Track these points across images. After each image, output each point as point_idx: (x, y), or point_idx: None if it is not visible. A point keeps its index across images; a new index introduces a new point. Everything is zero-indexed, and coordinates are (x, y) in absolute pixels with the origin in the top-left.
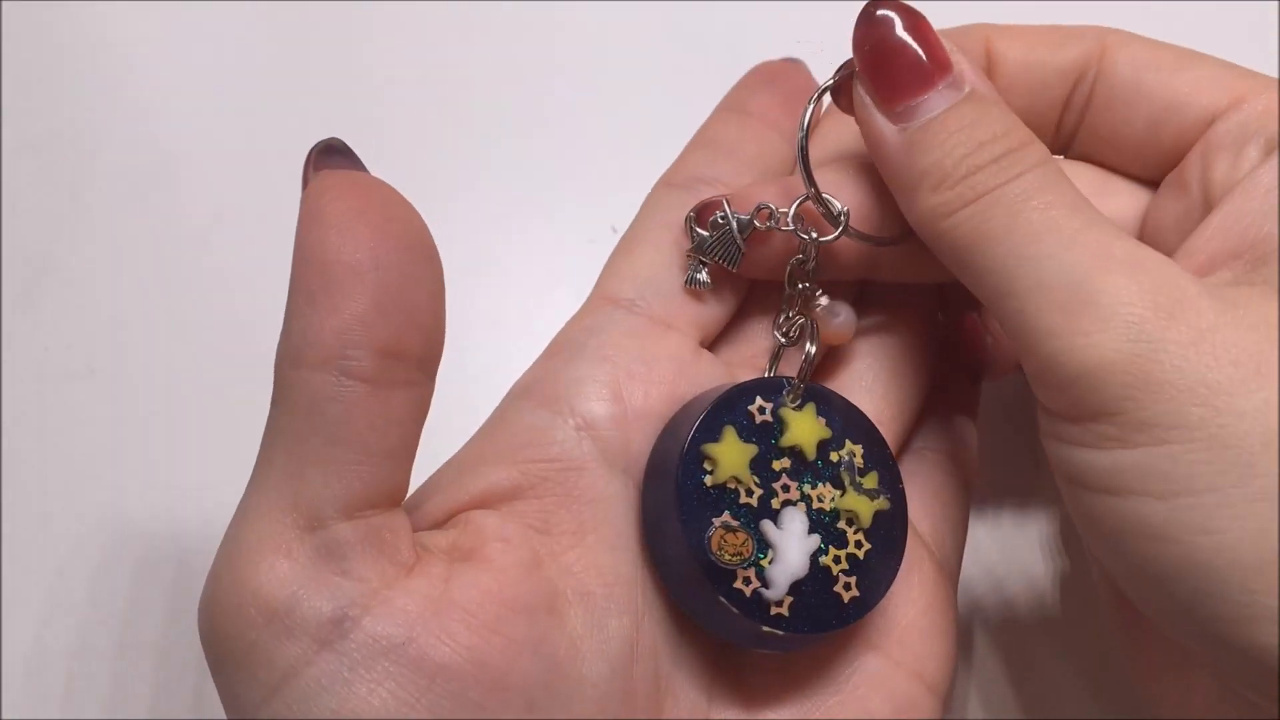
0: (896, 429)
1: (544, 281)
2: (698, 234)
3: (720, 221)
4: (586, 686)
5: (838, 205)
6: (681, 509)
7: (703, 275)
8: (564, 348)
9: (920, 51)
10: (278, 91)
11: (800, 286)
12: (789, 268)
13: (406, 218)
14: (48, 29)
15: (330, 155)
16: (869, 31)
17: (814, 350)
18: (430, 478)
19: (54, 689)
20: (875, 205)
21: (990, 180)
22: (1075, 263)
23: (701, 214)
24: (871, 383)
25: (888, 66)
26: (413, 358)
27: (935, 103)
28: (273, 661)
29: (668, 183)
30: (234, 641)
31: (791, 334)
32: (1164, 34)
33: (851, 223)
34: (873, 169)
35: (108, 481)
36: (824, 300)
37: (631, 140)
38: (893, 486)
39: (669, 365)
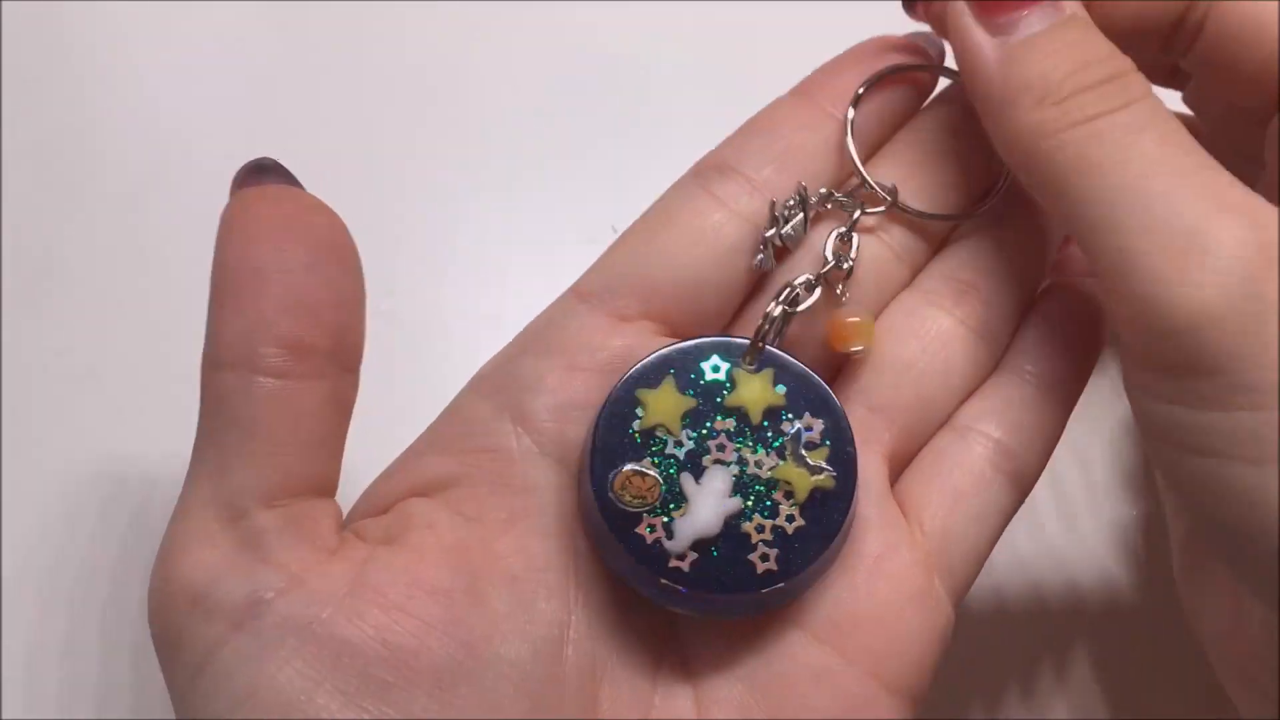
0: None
1: (544, 281)
2: (776, 219)
3: (793, 206)
4: (504, 666)
5: (885, 185)
6: (598, 449)
7: (769, 260)
8: (518, 340)
9: None
10: (278, 91)
11: (833, 257)
12: (829, 239)
13: (317, 222)
14: (48, 29)
15: (257, 174)
16: None
17: (777, 314)
18: (386, 467)
19: (52, 689)
20: (928, 180)
21: (1099, 104)
22: (1190, 205)
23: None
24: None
25: None
26: (321, 352)
27: (1036, 20)
28: (195, 644)
29: (692, 172)
30: (165, 628)
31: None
32: None
33: (902, 199)
34: (924, 146)
35: (108, 482)
36: (845, 297)
37: (633, 139)
38: (843, 467)
39: (615, 356)
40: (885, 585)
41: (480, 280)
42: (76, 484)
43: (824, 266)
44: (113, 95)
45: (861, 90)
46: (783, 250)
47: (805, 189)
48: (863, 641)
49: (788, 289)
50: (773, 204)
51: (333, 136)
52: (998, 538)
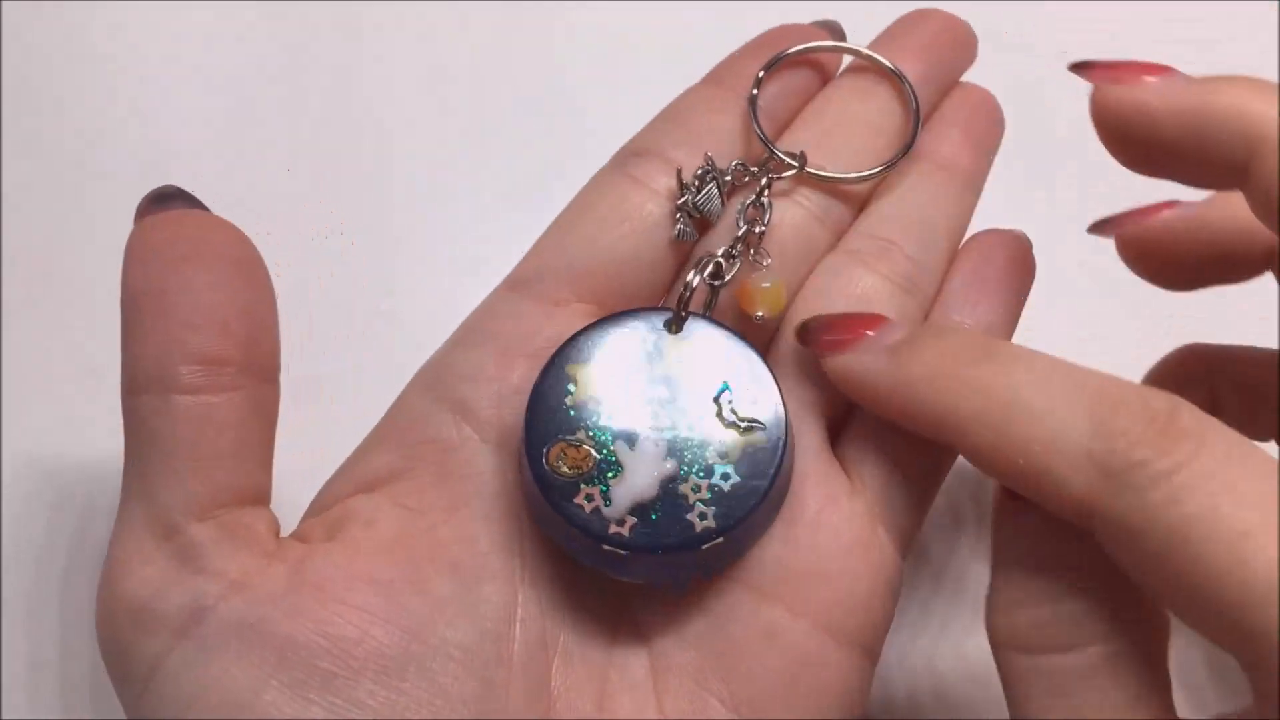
0: None
1: None
2: (685, 187)
3: (705, 175)
4: (450, 649)
5: (793, 153)
6: (532, 426)
7: (689, 229)
8: (456, 334)
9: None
10: (278, 91)
11: (745, 224)
12: (741, 206)
13: (218, 239)
14: (48, 29)
15: (158, 203)
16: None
17: (696, 282)
18: (337, 469)
19: (52, 688)
20: (839, 145)
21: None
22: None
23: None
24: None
25: None
26: (232, 364)
27: None
28: (140, 658)
29: (612, 159)
30: (111, 645)
31: (713, 272)
32: (1164, 34)
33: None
34: (832, 115)
35: (108, 482)
36: (766, 262)
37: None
38: (773, 423)
39: (549, 339)
40: (827, 537)
41: (481, 280)
42: (76, 483)
43: (739, 234)
44: (113, 95)
45: (763, 72)
46: (703, 222)
47: (711, 158)
48: (809, 595)
49: (706, 257)
50: (678, 171)
51: (333, 136)
52: (939, 484)
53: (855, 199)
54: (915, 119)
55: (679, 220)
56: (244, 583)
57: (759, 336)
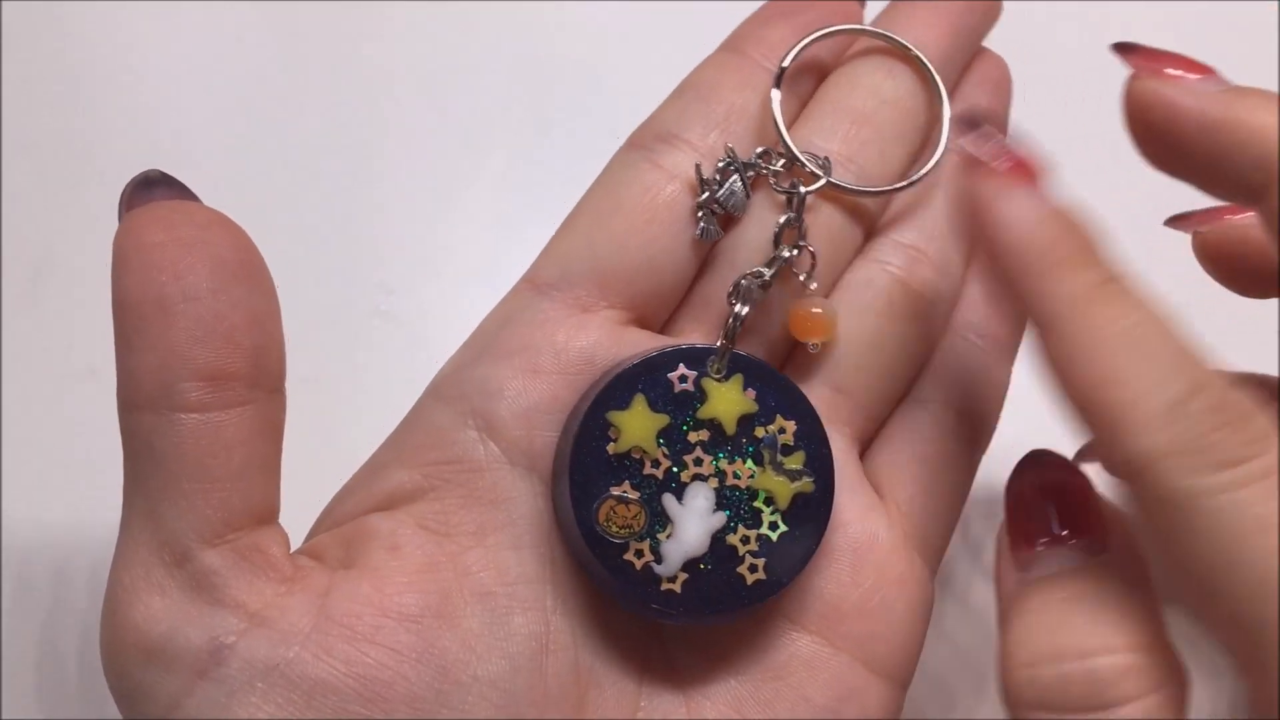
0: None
1: None
2: (705, 184)
3: (728, 167)
4: (483, 686)
5: (818, 158)
6: (575, 476)
7: (714, 227)
8: (476, 340)
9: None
10: (278, 91)
11: (781, 251)
12: (776, 229)
13: (217, 239)
14: (48, 29)
15: (146, 189)
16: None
17: (744, 312)
18: (346, 483)
19: (53, 688)
20: (865, 151)
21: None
22: None
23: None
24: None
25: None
26: (239, 379)
27: None
28: (157, 697)
29: (630, 143)
30: (123, 681)
31: (746, 298)
32: (1165, 34)
33: (836, 174)
34: (856, 114)
35: (108, 481)
36: (811, 285)
37: None
38: (820, 468)
39: (581, 354)
40: (870, 573)
41: (480, 280)
42: (76, 483)
43: (773, 258)
44: (113, 95)
45: (786, 63)
46: (727, 218)
47: (732, 150)
48: (851, 630)
49: (749, 280)
50: (698, 167)
51: (333, 136)
52: (964, 502)
53: (879, 199)
54: (943, 121)
55: (701, 219)
56: (264, 616)
57: (778, 351)
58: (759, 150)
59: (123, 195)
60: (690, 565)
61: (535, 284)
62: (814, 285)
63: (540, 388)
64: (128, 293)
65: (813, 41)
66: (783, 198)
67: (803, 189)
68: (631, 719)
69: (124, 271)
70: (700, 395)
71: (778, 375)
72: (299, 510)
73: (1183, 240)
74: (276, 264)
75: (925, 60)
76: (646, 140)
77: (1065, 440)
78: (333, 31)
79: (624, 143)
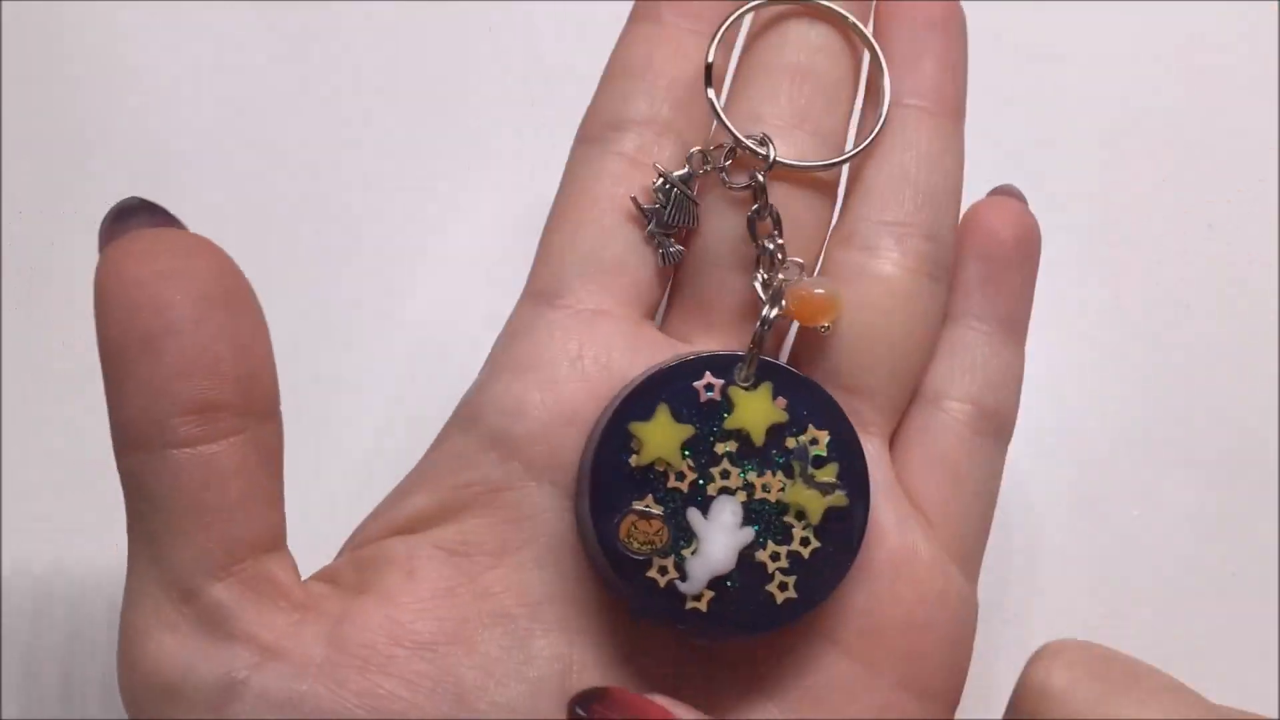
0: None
1: None
2: (649, 209)
3: (665, 187)
4: (501, 712)
5: (756, 137)
6: (595, 491)
7: (674, 248)
8: (490, 361)
9: None
10: (279, 92)
11: (763, 243)
12: (747, 220)
13: (198, 267)
14: (48, 29)
15: (124, 219)
16: None
17: (772, 315)
18: (372, 510)
19: (53, 688)
20: (812, 105)
21: None
22: None
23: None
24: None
25: None
26: (228, 409)
27: None
28: None
29: (582, 138)
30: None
31: (771, 299)
32: (1165, 34)
33: (790, 137)
34: (794, 76)
35: (107, 481)
36: (792, 262)
37: None
38: (855, 481)
39: (597, 359)
40: (909, 590)
41: (483, 282)
42: (77, 483)
43: (758, 256)
44: (113, 95)
45: (711, 59)
46: (683, 234)
47: (661, 169)
48: (891, 651)
49: (768, 279)
50: (634, 200)
51: (334, 137)
52: (996, 499)
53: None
54: (881, 78)
55: (659, 245)
56: (278, 648)
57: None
58: (691, 153)
59: (101, 227)
60: (717, 583)
61: (536, 295)
62: (802, 270)
63: (559, 400)
64: (111, 334)
65: (731, 21)
66: (736, 193)
67: (760, 176)
68: None
69: (106, 311)
70: (728, 405)
71: (809, 382)
72: (300, 512)
73: (1183, 240)
74: (277, 265)
75: (853, 18)
76: (597, 131)
77: (1088, 425)
78: (335, 32)
79: (575, 139)
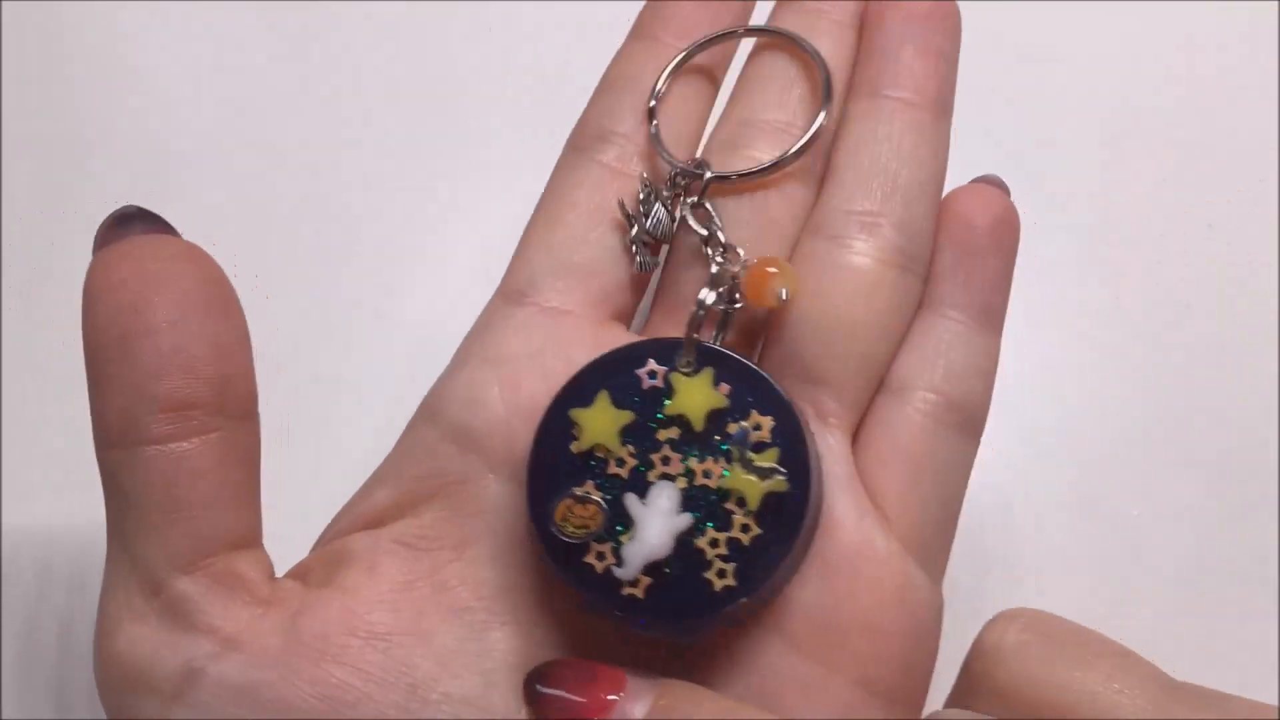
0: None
1: None
2: (634, 216)
3: (648, 198)
4: (455, 704)
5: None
6: (536, 477)
7: (650, 258)
8: (457, 357)
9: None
10: (279, 92)
11: (717, 255)
12: (679, 216)
13: (182, 272)
14: (48, 29)
15: (121, 226)
16: None
17: (709, 299)
18: (342, 506)
19: (50, 684)
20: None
21: None
22: None
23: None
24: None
25: None
26: (203, 408)
27: None
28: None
29: (572, 145)
30: (112, 707)
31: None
32: (1165, 34)
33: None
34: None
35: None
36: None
37: None
38: (797, 466)
39: (558, 355)
40: (865, 588)
41: (482, 282)
42: (77, 483)
43: (706, 244)
44: (113, 95)
45: (664, 78)
46: (659, 245)
47: (646, 179)
48: (847, 650)
49: (715, 270)
50: (621, 203)
51: (334, 136)
52: (964, 495)
53: (801, 169)
54: (825, 92)
55: (636, 253)
56: (237, 639)
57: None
58: (672, 172)
59: (98, 232)
60: (654, 569)
61: (506, 294)
62: (744, 254)
63: (517, 394)
64: (94, 334)
65: (700, 45)
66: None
67: (692, 201)
68: None
69: (91, 312)
70: (669, 391)
71: (753, 369)
72: (300, 511)
73: (1184, 241)
74: (277, 265)
75: (809, 46)
76: (584, 141)
77: (1088, 425)
78: (335, 32)
79: (564, 147)
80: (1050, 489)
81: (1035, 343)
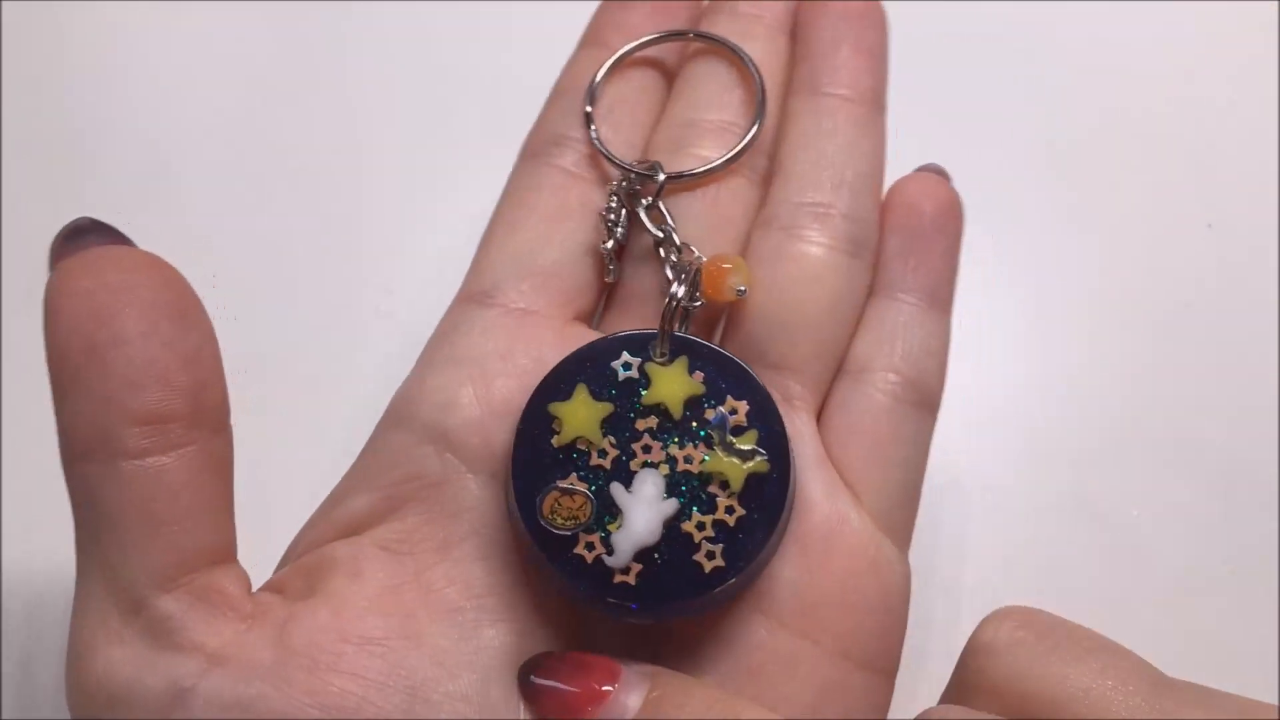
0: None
1: None
2: (610, 228)
3: (619, 209)
4: (455, 702)
5: (647, 163)
6: (518, 472)
7: (619, 264)
8: (422, 360)
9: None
10: (279, 92)
11: (672, 255)
12: (639, 213)
13: (146, 282)
14: (48, 29)
15: (76, 238)
16: None
17: (679, 292)
18: (310, 516)
19: (51, 688)
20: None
21: None
22: None
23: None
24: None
25: None
26: (178, 420)
27: None
28: None
29: (528, 151)
30: None
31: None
32: (1165, 34)
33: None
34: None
35: None
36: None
37: None
38: (775, 446)
39: (528, 354)
40: (841, 560)
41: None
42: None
43: (661, 245)
44: (113, 95)
45: (599, 76)
46: (623, 250)
47: (620, 186)
48: (827, 623)
49: (680, 264)
50: (601, 214)
51: (332, 136)
52: (925, 469)
53: (747, 166)
54: (760, 95)
55: (610, 262)
56: (224, 655)
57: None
58: (627, 175)
59: (52, 246)
60: (644, 556)
61: (471, 296)
62: (697, 253)
63: (490, 393)
64: (58, 343)
65: (633, 49)
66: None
67: (646, 200)
68: None
69: (54, 322)
70: (645, 381)
71: (725, 355)
72: (299, 513)
73: (1183, 240)
74: (277, 265)
75: (744, 52)
76: (539, 147)
77: (1086, 424)
78: (334, 33)
79: (520, 153)
80: (1050, 488)
81: (1035, 342)
